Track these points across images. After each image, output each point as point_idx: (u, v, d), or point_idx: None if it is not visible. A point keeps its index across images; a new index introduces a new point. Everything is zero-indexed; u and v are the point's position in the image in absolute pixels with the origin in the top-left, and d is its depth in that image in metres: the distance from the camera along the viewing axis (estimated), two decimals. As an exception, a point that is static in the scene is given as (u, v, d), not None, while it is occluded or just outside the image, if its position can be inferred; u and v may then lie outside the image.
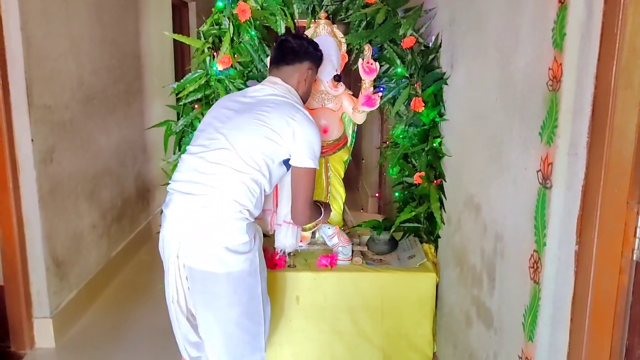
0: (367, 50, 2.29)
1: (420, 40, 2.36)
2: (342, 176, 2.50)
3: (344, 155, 2.47)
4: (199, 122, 2.36)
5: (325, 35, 2.32)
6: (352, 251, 2.37)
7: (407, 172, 2.46)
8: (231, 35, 2.31)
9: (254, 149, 1.78)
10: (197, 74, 2.37)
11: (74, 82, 2.93)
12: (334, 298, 2.30)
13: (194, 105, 2.40)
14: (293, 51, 1.95)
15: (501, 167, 1.64)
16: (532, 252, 1.42)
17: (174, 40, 4.14)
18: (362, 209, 4.65)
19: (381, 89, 2.38)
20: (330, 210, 2.29)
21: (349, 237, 2.42)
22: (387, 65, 2.40)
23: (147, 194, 4.18)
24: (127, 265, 3.65)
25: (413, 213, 2.42)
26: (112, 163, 3.48)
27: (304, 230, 2.30)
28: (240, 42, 2.36)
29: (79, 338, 2.81)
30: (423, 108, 2.32)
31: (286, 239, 2.20)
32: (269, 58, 2.32)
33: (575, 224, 1.23)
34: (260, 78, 2.44)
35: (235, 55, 2.35)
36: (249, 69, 2.42)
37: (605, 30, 1.12)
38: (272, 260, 2.30)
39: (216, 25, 2.35)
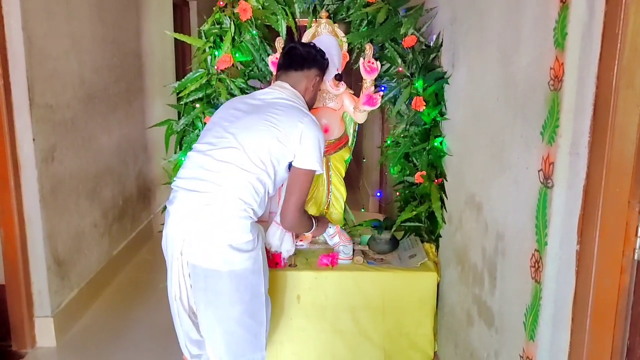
0: (368, 49, 2.29)
1: (422, 39, 2.36)
2: (343, 175, 2.49)
3: (345, 155, 2.47)
4: (200, 121, 2.37)
5: (326, 35, 2.32)
6: (353, 250, 2.37)
7: (408, 172, 2.46)
8: (232, 35, 2.32)
9: (262, 149, 1.80)
10: (198, 73, 2.37)
11: (75, 81, 2.93)
12: (334, 297, 2.30)
13: (195, 104, 2.40)
14: (302, 57, 2.00)
15: (502, 167, 1.64)
16: (533, 251, 1.42)
17: (175, 39, 4.13)
18: (363, 209, 4.65)
19: (382, 88, 2.38)
20: (326, 225, 2.30)
21: (350, 237, 2.42)
22: (388, 65, 2.40)
23: (148, 193, 4.18)
24: (128, 264, 3.65)
25: (414, 212, 2.42)
26: (114, 162, 3.48)
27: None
28: (242, 41, 2.36)
29: (80, 337, 2.81)
30: (424, 107, 2.32)
31: (273, 239, 2.22)
32: (269, 58, 2.34)
33: (577, 223, 1.23)
34: (261, 77, 2.45)
35: (237, 55, 2.35)
36: (250, 68, 2.42)
37: (606, 30, 1.12)
38: (273, 259, 2.30)
39: (217, 24, 2.35)
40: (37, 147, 2.55)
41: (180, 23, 4.84)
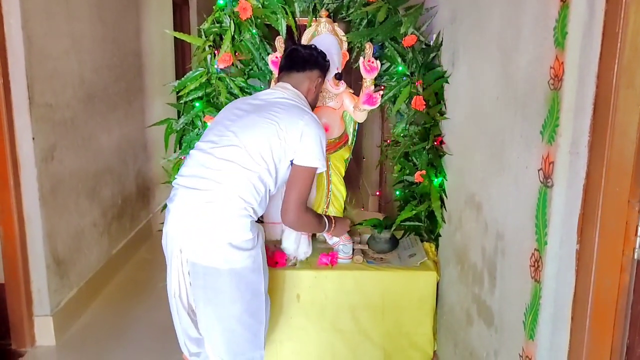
0: (368, 48, 2.29)
1: (422, 38, 2.36)
2: (343, 174, 2.49)
3: (344, 154, 2.47)
4: (200, 120, 2.37)
5: (326, 34, 2.31)
6: (353, 249, 2.37)
7: (407, 171, 2.46)
8: (232, 34, 2.31)
9: (264, 147, 1.80)
10: (197, 72, 2.37)
11: (75, 81, 2.93)
12: (334, 296, 2.30)
13: (195, 103, 2.40)
14: (303, 59, 2.03)
15: (502, 166, 1.64)
16: (533, 250, 1.42)
17: (175, 38, 4.14)
18: (362, 208, 4.65)
19: (382, 88, 2.39)
20: (346, 225, 2.29)
21: (350, 236, 2.42)
22: (388, 64, 2.40)
23: (147, 192, 4.18)
24: (128, 263, 3.65)
25: (414, 212, 2.42)
26: (113, 161, 3.48)
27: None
28: (242, 40, 2.36)
29: (79, 336, 2.81)
30: (424, 106, 2.32)
31: (288, 242, 2.23)
32: (269, 57, 2.33)
33: (577, 222, 1.23)
34: (261, 76, 2.44)
35: (237, 54, 2.35)
36: (250, 67, 2.42)
37: (607, 29, 1.12)
38: (273, 258, 2.30)
39: (217, 23, 2.35)
40: (36, 146, 2.55)
41: (180, 22, 4.83)
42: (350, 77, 3.64)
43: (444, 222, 2.34)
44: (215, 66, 2.33)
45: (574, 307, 1.26)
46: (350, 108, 2.38)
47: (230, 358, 1.87)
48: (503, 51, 1.64)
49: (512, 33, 1.56)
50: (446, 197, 2.33)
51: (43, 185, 2.61)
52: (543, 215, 1.36)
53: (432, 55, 2.36)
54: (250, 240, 1.79)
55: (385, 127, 3.77)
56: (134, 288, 3.33)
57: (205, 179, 1.78)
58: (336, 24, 2.36)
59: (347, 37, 2.36)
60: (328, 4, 2.36)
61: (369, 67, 2.28)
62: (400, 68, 2.35)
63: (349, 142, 2.50)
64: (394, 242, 2.48)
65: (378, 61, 2.29)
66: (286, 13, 2.34)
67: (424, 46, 2.37)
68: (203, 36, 2.37)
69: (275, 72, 2.26)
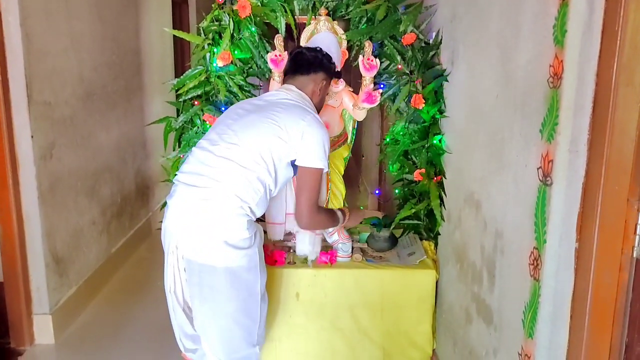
0: (368, 46, 2.29)
1: (421, 36, 2.35)
2: (342, 173, 2.49)
3: (344, 152, 2.47)
4: (199, 118, 2.37)
5: (326, 32, 2.31)
6: (352, 248, 2.37)
7: (407, 169, 2.46)
8: (231, 32, 2.31)
9: (263, 146, 1.81)
10: (197, 71, 2.36)
11: (74, 79, 2.93)
12: (333, 295, 2.30)
13: (194, 101, 2.40)
14: (308, 62, 2.03)
15: (502, 164, 1.64)
16: (532, 249, 1.42)
17: (174, 36, 4.12)
18: (361, 206, 4.65)
19: (382, 86, 2.38)
20: (360, 216, 2.34)
21: (349, 234, 2.42)
22: (388, 62, 2.40)
23: (146, 190, 4.18)
24: (127, 262, 3.65)
25: (413, 210, 2.42)
26: (112, 159, 3.48)
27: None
28: (241, 38, 2.35)
29: (78, 334, 2.81)
30: (423, 105, 2.32)
31: (303, 245, 2.25)
32: (268, 55, 2.33)
33: (576, 221, 1.23)
34: (260, 75, 2.44)
35: (235, 52, 2.35)
36: (249, 65, 2.42)
37: (606, 27, 1.12)
38: (272, 257, 2.30)
39: (216, 21, 2.35)
40: (35, 145, 2.55)
41: (179, 20, 4.83)
42: (350, 75, 3.64)
43: (443, 220, 2.34)
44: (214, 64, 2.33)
45: (573, 305, 1.26)
46: (349, 106, 2.38)
47: (226, 356, 1.88)
48: (502, 49, 1.64)
49: (512, 31, 1.56)
50: (445, 195, 2.33)
51: (42, 184, 2.61)
52: (542, 213, 1.36)
53: (431, 53, 2.36)
54: (247, 239, 1.79)
55: (385, 125, 3.77)
56: (133, 286, 3.32)
57: (204, 177, 1.79)
58: (335, 22, 2.36)
59: (346, 36, 2.35)
60: (327, 2, 2.36)
61: (368, 65, 2.27)
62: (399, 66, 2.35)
63: (349, 141, 2.50)
64: (393, 241, 2.48)
65: (377, 59, 2.29)
66: (285, 11, 2.34)
67: (423, 44, 2.37)
68: (202, 34, 2.37)
69: (275, 70, 2.25)
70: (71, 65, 2.89)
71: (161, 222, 1.91)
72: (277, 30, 2.35)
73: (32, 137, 2.52)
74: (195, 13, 4.96)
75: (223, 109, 2.36)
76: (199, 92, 2.37)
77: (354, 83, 2.52)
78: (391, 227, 2.46)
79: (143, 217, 4.07)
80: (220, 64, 2.32)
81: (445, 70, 2.28)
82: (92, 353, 2.65)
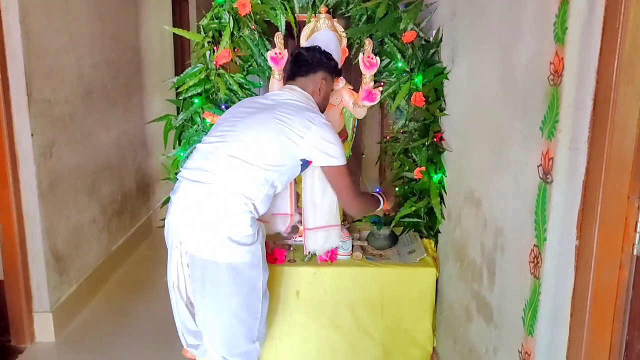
0: (368, 44, 2.28)
1: (421, 34, 2.35)
2: (342, 171, 2.49)
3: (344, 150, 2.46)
4: (199, 116, 2.37)
5: (326, 30, 2.31)
6: (352, 246, 2.37)
7: (407, 167, 2.46)
8: (231, 29, 2.31)
9: (269, 145, 1.82)
10: (196, 68, 2.36)
11: (73, 77, 2.92)
12: (334, 293, 2.30)
13: (194, 99, 2.39)
14: (306, 63, 2.04)
15: (502, 162, 1.64)
16: (532, 246, 1.42)
17: (174, 34, 4.12)
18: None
19: (381, 84, 2.38)
20: (392, 195, 2.37)
21: (349, 232, 2.42)
22: (388, 60, 2.40)
23: (147, 188, 4.18)
24: (127, 260, 3.65)
25: (413, 208, 2.42)
26: (112, 157, 3.48)
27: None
28: (240, 36, 2.35)
29: (78, 332, 2.81)
30: (424, 103, 2.32)
31: (316, 244, 2.26)
32: (268, 53, 2.32)
33: (576, 218, 1.23)
34: (260, 72, 2.44)
35: (235, 50, 2.34)
36: (249, 63, 2.41)
37: (607, 25, 1.11)
38: (272, 254, 2.30)
39: (216, 19, 2.35)
40: (35, 143, 2.55)
41: (179, 18, 4.82)
42: (350, 73, 3.63)
43: (444, 218, 2.34)
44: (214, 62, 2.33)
45: (573, 303, 1.26)
46: (349, 104, 2.38)
47: (227, 351, 1.89)
48: (503, 47, 1.64)
49: (512, 29, 1.56)
50: (445, 193, 2.33)
51: (42, 182, 2.61)
52: (542, 211, 1.36)
53: (431, 51, 2.36)
54: (250, 236, 1.80)
55: (385, 123, 3.77)
56: (133, 285, 3.33)
57: (208, 173, 1.80)
58: (335, 19, 2.36)
59: (346, 33, 2.35)
60: (327, -1, 2.36)
61: (368, 63, 2.27)
62: (399, 64, 2.34)
63: (349, 139, 2.49)
64: (393, 239, 2.48)
65: (377, 57, 2.29)
66: (285, 9, 2.33)
67: (423, 42, 2.37)
68: (202, 32, 2.36)
69: (275, 68, 2.25)
70: (71, 63, 2.89)
71: (162, 219, 1.92)
72: (277, 28, 2.35)
73: (32, 135, 2.52)
74: (195, 11, 4.96)
75: (223, 107, 2.36)
76: (199, 90, 2.37)
77: (354, 81, 2.51)
78: (391, 225, 2.46)
79: (144, 215, 4.07)
80: (220, 62, 2.32)
81: (445, 68, 2.28)
82: (93, 351, 2.65)
